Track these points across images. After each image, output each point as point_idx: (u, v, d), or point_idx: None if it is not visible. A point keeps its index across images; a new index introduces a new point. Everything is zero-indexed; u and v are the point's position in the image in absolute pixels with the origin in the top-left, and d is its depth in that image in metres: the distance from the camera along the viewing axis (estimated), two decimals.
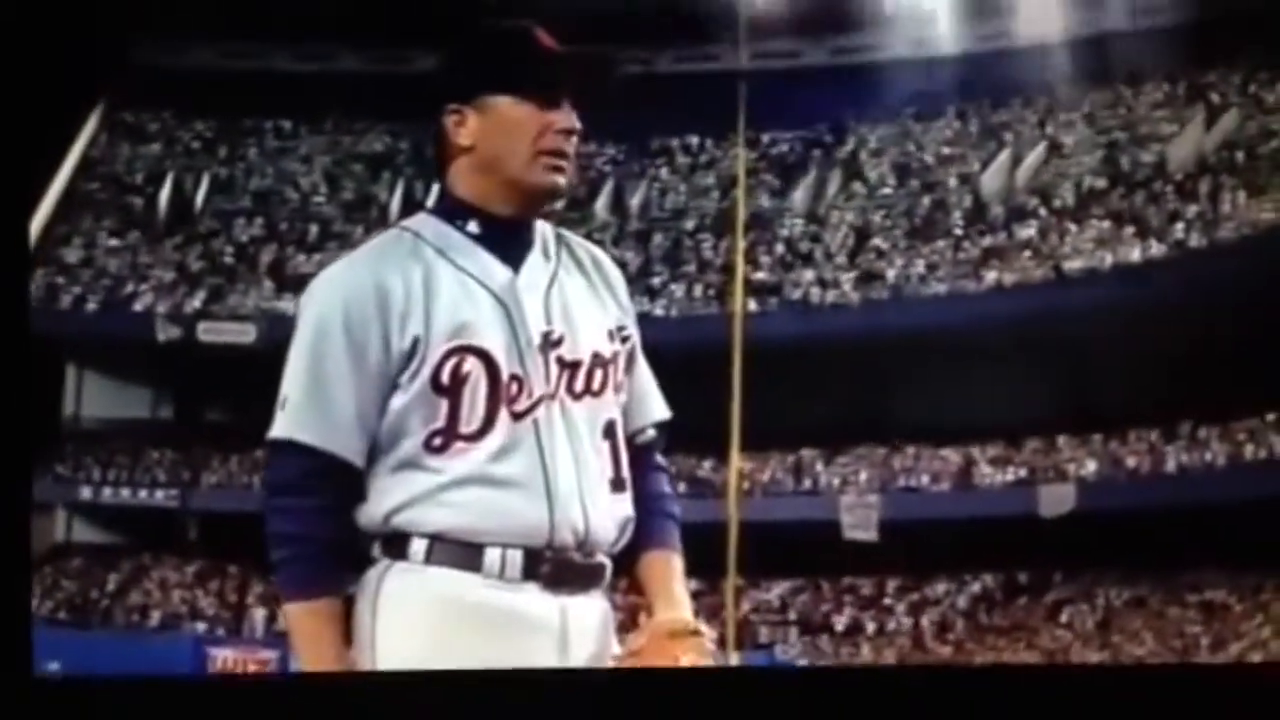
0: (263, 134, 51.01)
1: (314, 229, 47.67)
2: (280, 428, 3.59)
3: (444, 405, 3.56)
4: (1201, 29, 41.84)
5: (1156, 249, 39.97)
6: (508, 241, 3.69)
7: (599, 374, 3.70)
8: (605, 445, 3.69)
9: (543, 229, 3.78)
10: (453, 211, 3.70)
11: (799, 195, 47.33)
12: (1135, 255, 40.24)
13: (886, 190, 46.71)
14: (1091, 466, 39.22)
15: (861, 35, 47.26)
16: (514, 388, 3.59)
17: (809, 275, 44.27)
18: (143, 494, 44.79)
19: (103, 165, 50.01)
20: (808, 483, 42.12)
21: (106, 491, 44.70)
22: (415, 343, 3.55)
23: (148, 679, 3.51)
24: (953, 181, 45.99)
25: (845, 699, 3.22)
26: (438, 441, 3.56)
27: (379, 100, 48.37)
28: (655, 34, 42.91)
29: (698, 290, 44.59)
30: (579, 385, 3.67)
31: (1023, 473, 40.06)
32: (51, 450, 43.58)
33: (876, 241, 44.84)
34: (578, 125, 3.67)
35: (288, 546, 3.55)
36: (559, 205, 3.87)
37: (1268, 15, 39.88)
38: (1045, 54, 45.24)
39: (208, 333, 44.66)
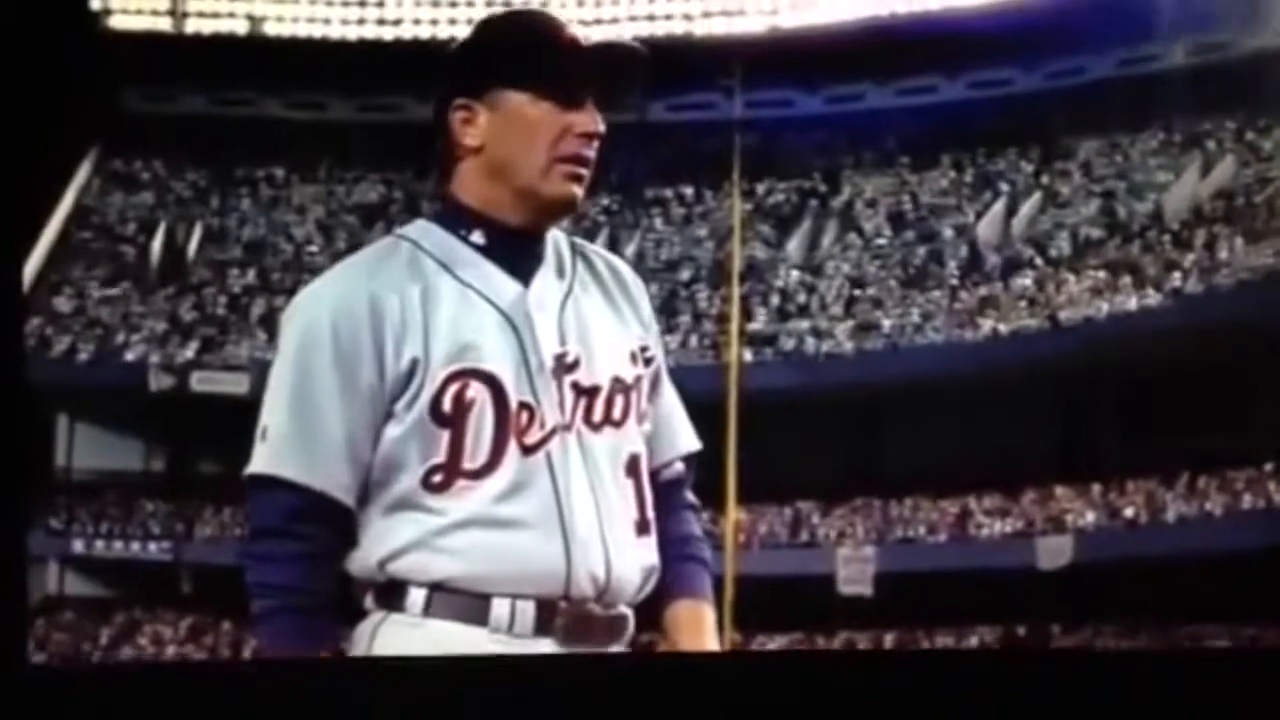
0: (255, 184, 50.95)
1: (307, 279, 47.32)
2: (259, 462, 3.23)
3: (445, 437, 3.19)
4: (1198, 76, 41.94)
5: (1153, 298, 39.83)
6: (517, 253, 3.32)
7: (620, 401, 3.33)
8: (628, 483, 3.32)
9: (555, 239, 3.41)
10: (456, 220, 3.33)
11: (794, 245, 47.27)
12: (1132, 304, 40.07)
13: (882, 240, 46.70)
14: (1090, 517, 38.98)
15: (857, 83, 47.43)
16: (524, 417, 3.22)
17: (804, 325, 44.14)
18: (135, 547, 44.51)
19: (95, 214, 49.94)
20: (804, 535, 41.86)
21: (99, 544, 44.43)
22: (413, 365, 3.19)
23: (145, 667, 3.24)
24: (948, 231, 45.97)
25: (847, 684, 3.01)
26: (438, 478, 3.19)
27: (372, 149, 48.45)
28: (649, 81, 42.85)
29: (693, 341, 44.44)
30: (598, 414, 3.30)
31: (1020, 524, 39.81)
32: (43, 502, 43.33)
33: (872, 291, 44.75)
34: (601, 129, 3.30)
35: (270, 598, 3.19)
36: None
37: (1264, 63, 40.00)
38: (1041, 102, 45.36)
39: (201, 383, 44.46)
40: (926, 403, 39.62)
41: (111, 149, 50.14)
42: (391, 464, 3.22)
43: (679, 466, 3.51)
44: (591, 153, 3.31)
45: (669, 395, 3.53)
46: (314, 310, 3.29)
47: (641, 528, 3.33)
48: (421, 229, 3.37)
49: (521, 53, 3.28)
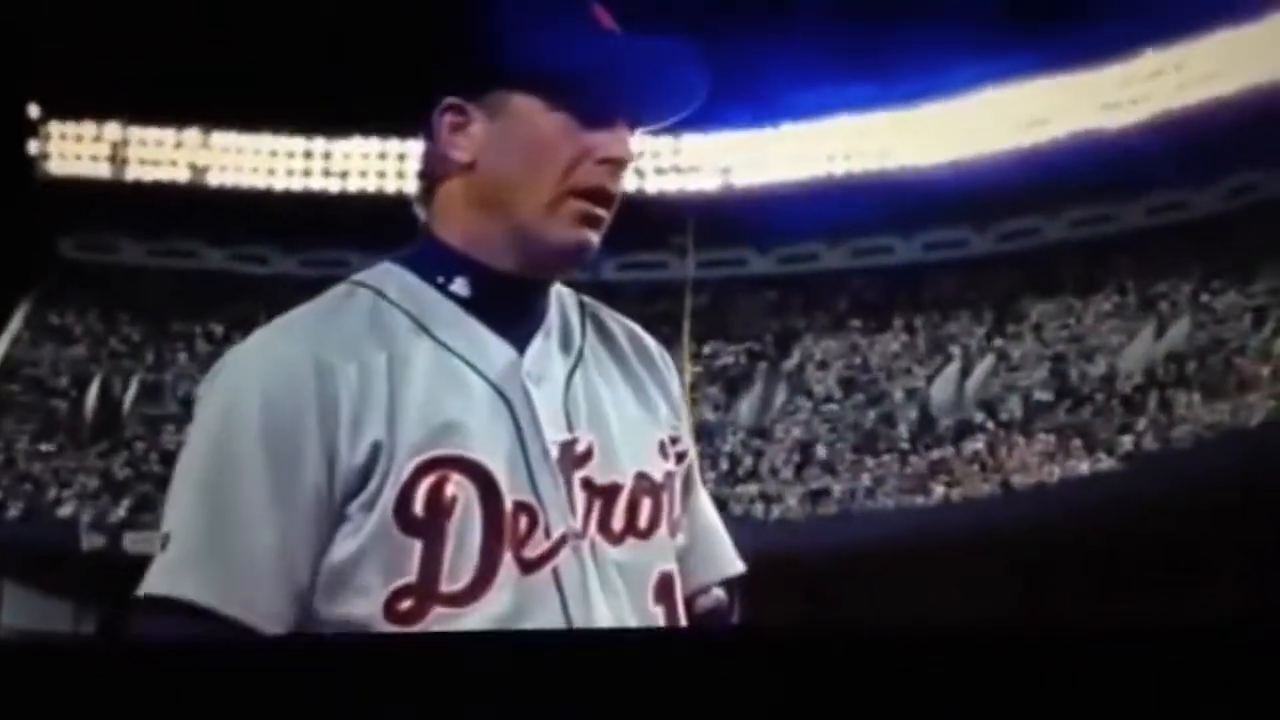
0: (192, 339, 50.54)
1: None
2: (153, 580, 2.35)
3: (416, 549, 2.33)
4: (1152, 238, 42.12)
5: (1105, 462, 39.65)
6: (510, 309, 2.50)
7: (647, 505, 2.51)
8: (659, 610, 2.51)
9: (560, 294, 2.61)
10: (432, 263, 2.50)
11: (743, 408, 46.96)
12: (1084, 469, 39.88)
13: (833, 404, 46.38)
14: None
15: (811, 243, 47.49)
16: (522, 522, 2.38)
17: (753, 490, 43.71)
18: None
19: (27, 366, 49.62)
20: None
21: None
22: (374, 453, 2.34)
23: (120, 646, 2.30)
24: (899, 394, 45.76)
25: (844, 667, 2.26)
26: (407, 605, 2.33)
27: None
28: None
29: None
30: (618, 521, 2.48)
31: None
32: None
33: (822, 455, 44.42)
34: (630, 156, 2.50)
35: None
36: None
37: (1218, 223, 40.19)
38: (995, 264, 45.48)
39: (134, 543, 43.75)
40: (877, 568, 39.12)
41: (45, 300, 49.90)
42: (344, 584, 2.35)
43: (718, 594, 2.77)
44: (615, 187, 2.50)
45: (705, 502, 2.73)
46: (239, 378, 2.41)
47: None
48: (385, 273, 2.53)
49: (542, 42, 2.44)
